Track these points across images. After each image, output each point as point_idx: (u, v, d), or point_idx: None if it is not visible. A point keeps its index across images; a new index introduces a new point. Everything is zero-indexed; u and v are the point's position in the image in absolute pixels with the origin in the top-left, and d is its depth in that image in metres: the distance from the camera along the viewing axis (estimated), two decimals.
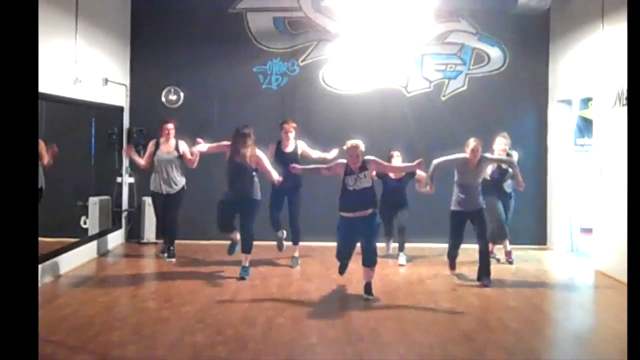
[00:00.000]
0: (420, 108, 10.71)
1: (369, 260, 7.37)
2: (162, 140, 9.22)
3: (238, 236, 8.40)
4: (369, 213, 7.29)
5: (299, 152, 8.99)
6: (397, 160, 9.24)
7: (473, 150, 8.06)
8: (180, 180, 9.24)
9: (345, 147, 7.44)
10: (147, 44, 10.72)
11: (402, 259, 9.33)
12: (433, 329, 6.20)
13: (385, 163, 7.90)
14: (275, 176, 8.22)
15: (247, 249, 8.23)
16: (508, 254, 9.40)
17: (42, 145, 7.95)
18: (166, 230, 9.40)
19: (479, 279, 8.06)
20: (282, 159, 8.73)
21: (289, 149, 8.96)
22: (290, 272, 8.59)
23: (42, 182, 8.08)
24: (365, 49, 10.72)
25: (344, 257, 7.58)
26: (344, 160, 7.43)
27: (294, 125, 9.04)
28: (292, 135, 8.98)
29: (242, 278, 8.10)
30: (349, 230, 7.34)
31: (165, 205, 9.24)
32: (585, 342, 6.06)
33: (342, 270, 7.75)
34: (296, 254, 9.18)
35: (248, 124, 8.29)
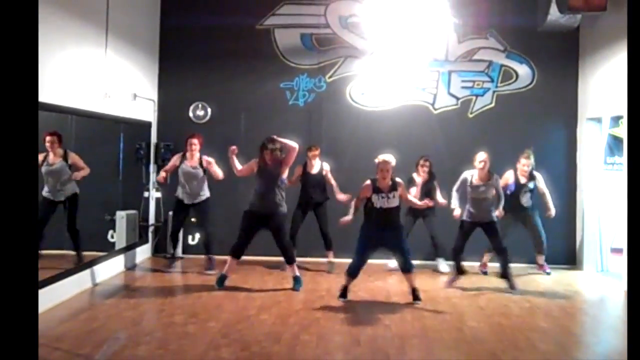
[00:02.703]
0: (448, 125, 10.66)
1: (407, 265, 7.83)
2: (187, 155, 9.44)
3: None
4: (390, 226, 7.75)
5: (324, 172, 9.65)
6: (425, 168, 9.57)
7: (481, 162, 8.48)
8: (204, 193, 9.48)
9: (375, 161, 7.74)
10: (175, 59, 10.82)
11: (442, 265, 9.86)
12: (460, 348, 6.13)
13: (406, 194, 7.95)
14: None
15: (290, 260, 8.54)
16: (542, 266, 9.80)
17: (77, 157, 8.18)
18: (204, 245, 9.68)
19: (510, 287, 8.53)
20: (308, 179, 9.57)
21: (315, 170, 9.65)
22: (316, 289, 8.54)
23: (77, 188, 8.29)
24: (392, 66, 10.72)
25: (356, 268, 7.89)
26: (368, 181, 7.76)
27: (318, 151, 9.64)
28: (316, 159, 9.66)
29: (295, 289, 8.42)
30: (369, 242, 7.77)
31: (190, 215, 9.63)
32: None
33: (354, 277, 7.97)
34: (332, 259, 9.77)
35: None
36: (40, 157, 7.93)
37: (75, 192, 8.29)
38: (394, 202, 7.70)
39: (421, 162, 9.59)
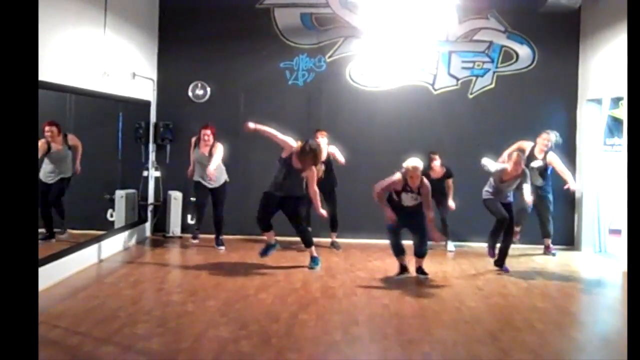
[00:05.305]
0: (448, 106, 10.62)
1: (422, 251, 8.09)
2: (201, 144, 9.57)
3: (273, 238, 8.62)
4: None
5: (331, 157, 9.56)
6: (437, 163, 9.57)
7: (515, 164, 8.33)
8: (220, 176, 9.55)
9: (404, 166, 7.77)
10: (174, 38, 10.75)
11: (450, 245, 9.97)
12: (458, 328, 6.16)
13: (428, 197, 7.92)
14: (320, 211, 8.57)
15: (308, 244, 8.63)
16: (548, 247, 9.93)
17: (74, 138, 8.27)
18: (215, 223, 9.74)
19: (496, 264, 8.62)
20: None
21: (323, 156, 9.31)
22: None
23: (69, 172, 8.34)
24: (392, 46, 10.67)
25: (395, 246, 8.17)
26: (399, 176, 7.82)
27: (325, 134, 9.51)
28: (324, 142, 9.42)
29: (312, 268, 8.48)
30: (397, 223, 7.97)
31: (209, 197, 9.69)
32: (613, 345, 5.97)
33: (401, 254, 8.22)
34: (335, 239, 10.01)
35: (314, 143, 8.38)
36: (42, 145, 8.04)
37: (69, 176, 8.44)
38: (419, 200, 7.88)
39: (433, 157, 9.58)
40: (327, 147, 9.53)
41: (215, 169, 9.32)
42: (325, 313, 6.55)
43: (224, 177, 9.61)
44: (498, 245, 8.62)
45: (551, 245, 9.91)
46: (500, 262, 8.61)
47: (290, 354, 5.37)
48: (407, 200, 7.88)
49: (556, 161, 9.63)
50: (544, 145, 9.61)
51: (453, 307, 6.89)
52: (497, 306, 6.96)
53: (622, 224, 9.03)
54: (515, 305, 7.01)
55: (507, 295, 7.41)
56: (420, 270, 8.17)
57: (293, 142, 8.23)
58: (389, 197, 8.00)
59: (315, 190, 8.35)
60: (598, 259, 9.87)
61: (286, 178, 8.25)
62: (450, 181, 9.66)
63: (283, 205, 8.42)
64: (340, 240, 10.02)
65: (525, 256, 9.65)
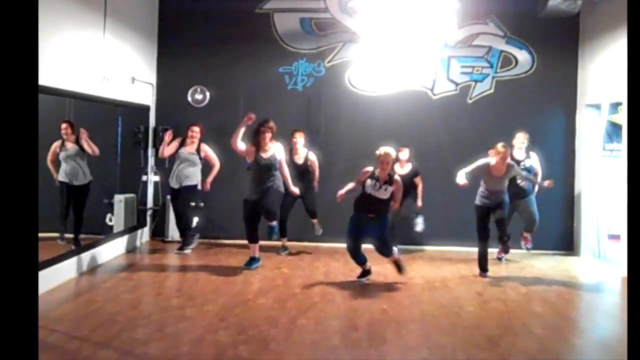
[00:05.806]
0: (447, 111, 10.62)
1: (385, 254, 8.05)
2: (187, 141, 9.63)
3: (258, 252, 8.87)
4: (375, 216, 7.81)
5: (309, 163, 9.61)
6: (402, 154, 9.64)
7: (502, 157, 8.14)
8: (194, 177, 9.60)
9: (376, 153, 7.78)
10: (174, 43, 10.76)
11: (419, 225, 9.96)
12: (457, 333, 6.15)
13: (399, 192, 7.91)
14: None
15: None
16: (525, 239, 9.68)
17: (85, 135, 8.44)
18: (179, 223, 9.87)
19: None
20: (295, 169, 9.40)
21: (300, 159, 9.58)
22: (313, 274, 8.56)
23: (89, 177, 8.59)
24: (391, 51, 10.68)
25: (352, 252, 8.07)
26: (370, 168, 7.85)
27: (302, 136, 9.58)
28: (301, 142, 9.56)
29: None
30: (355, 228, 7.90)
31: (177, 198, 9.69)
32: (612, 350, 5.95)
33: (359, 263, 8.18)
34: (316, 223, 9.91)
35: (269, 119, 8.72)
36: (57, 144, 8.27)
37: (89, 181, 8.60)
38: (384, 195, 7.79)
39: (401, 149, 9.56)
40: (303, 148, 9.66)
41: (190, 170, 9.55)
42: (324, 318, 6.55)
43: (194, 180, 9.61)
44: (496, 248, 8.65)
45: (529, 239, 9.61)
46: (505, 250, 8.95)
47: (289, 358, 5.37)
48: (370, 188, 7.76)
49: (536, 161, 9.58)
50: (521, 143, 9.50)
51: (452, 312, 6.89)
52: (496, 311, 6.95)
53: (622, 229, 9.03)
54: (514, 311, 7.00)
55: (506, 301, 7.40)
56: (395, 264, 8.12)
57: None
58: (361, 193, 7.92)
59: (285, 174, 8.76)
60: (597, 264, 9.86)
61: (261, 173, 8.43)
62: (418, 179, 9.71)
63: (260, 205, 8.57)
64: (338, 245, 9.98)
65: (524, 261, 9.65)
